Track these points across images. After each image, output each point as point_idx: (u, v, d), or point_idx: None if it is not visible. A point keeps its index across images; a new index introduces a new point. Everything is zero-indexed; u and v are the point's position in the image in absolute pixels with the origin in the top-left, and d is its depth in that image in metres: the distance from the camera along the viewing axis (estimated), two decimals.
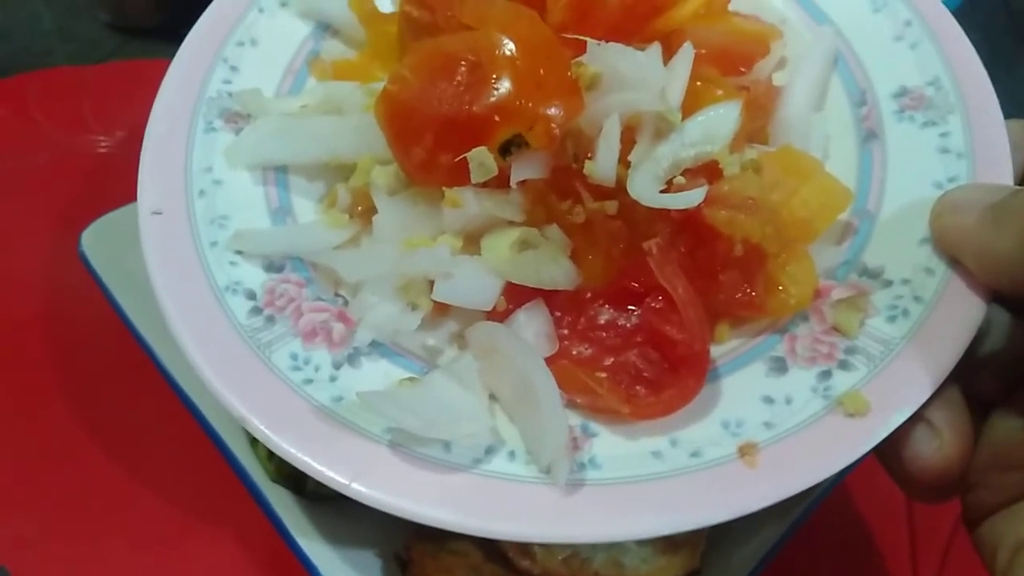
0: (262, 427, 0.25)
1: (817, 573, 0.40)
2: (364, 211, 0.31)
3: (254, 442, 0.37)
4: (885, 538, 0.42)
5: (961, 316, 0.26)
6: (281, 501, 0.35)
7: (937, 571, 0.41)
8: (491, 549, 0.32)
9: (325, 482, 0.25)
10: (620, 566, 0.32)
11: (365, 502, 0.24)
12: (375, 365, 0.28)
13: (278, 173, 0.32)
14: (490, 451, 0.25)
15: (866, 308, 0.27)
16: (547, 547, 0.32)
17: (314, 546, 0.34)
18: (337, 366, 0.27)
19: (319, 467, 0.25)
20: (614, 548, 0.32)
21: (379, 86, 0.31)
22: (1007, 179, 0.28)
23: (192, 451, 0.40)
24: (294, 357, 0.27)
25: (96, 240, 0.42)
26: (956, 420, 0.25)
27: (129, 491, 0.42)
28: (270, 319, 0.28)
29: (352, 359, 0.28)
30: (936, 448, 0.25)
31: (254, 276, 0.29)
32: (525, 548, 0.32)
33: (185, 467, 0.42)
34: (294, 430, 0.25)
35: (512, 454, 0.25)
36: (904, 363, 0.26)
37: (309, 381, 0.27)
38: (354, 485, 0.24)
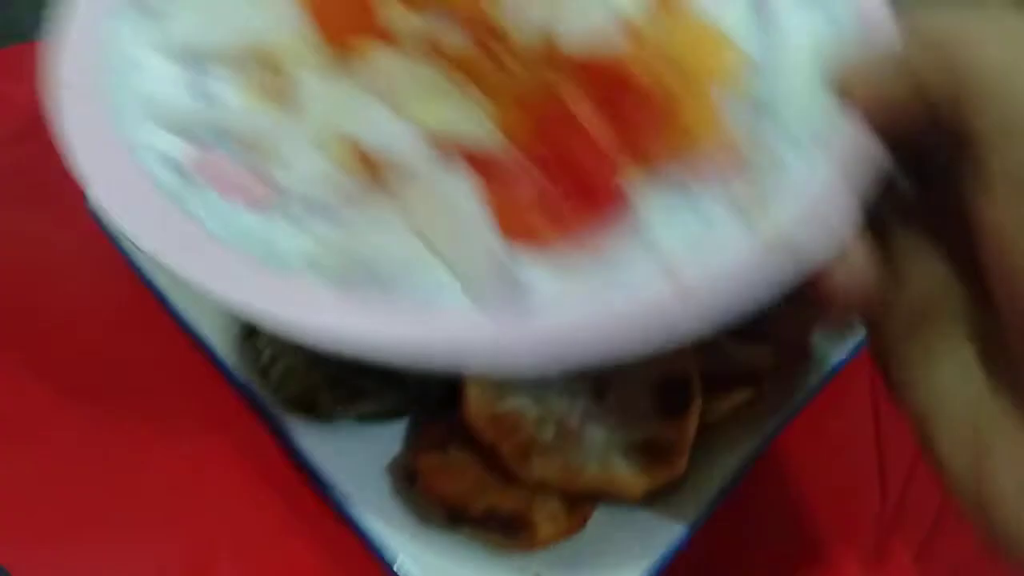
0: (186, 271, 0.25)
1: (788, 489, 0.42)
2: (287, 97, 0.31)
3: (264, 371, 0.38)
4: (854, 456, 0.44)
5: (859, 150, 0.27)
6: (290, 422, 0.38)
7: (903, 487, 0.43)
8: (492, 459, 0.35)
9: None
10: (610, 474, 0.35)
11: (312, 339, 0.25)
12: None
13: (198, 60, 0.32)
14: (419, 282, 0.26)
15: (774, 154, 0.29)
16: (545, 456, 0.34)
17: (327, 464, 0.37)
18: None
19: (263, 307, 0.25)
20: (604, 458, 0.35)
21: None
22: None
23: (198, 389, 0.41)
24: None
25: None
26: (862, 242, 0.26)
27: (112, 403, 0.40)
28: (190, 181, 0.28)
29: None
30: (847, 268, 0.26)
31: (174, 146, 0.29)
32: (524, 456, 0.34)
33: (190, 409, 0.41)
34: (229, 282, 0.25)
35: (442, 283, 0.26)
36: (814, 190, 0.27)
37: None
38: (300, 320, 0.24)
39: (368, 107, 0.29)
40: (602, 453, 0.35)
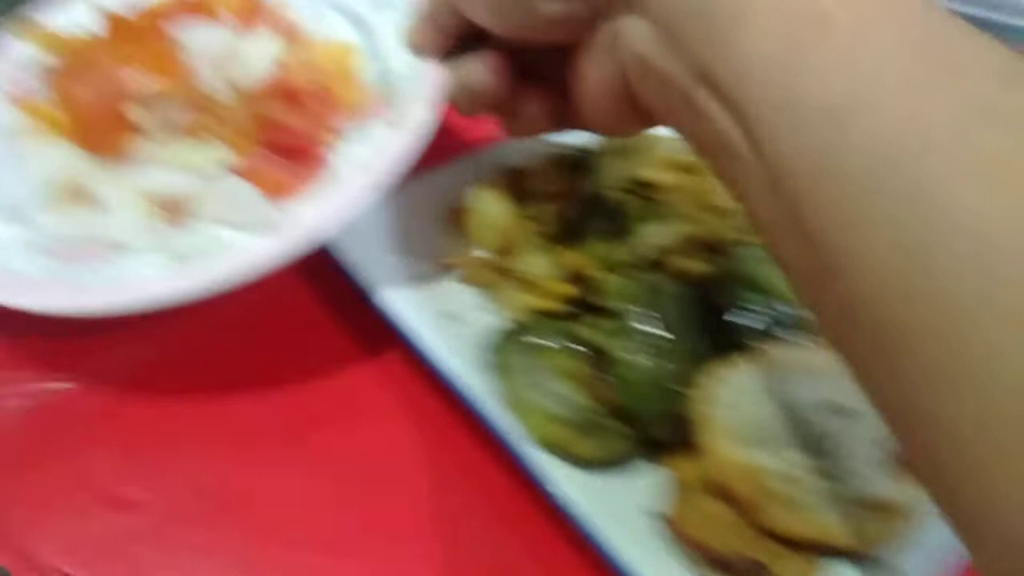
0: None
1: None
2: (87, 201, 0.46)
3: (521, 410, 0.40)
4: None
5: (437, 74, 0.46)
6: (548, 465, 0.38)
7: None
8: (738, 508, 0.36)
9: None
10: (845, 528, 0.35)
11: None
12: None
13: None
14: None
15: (395, 93, 0.47)
16: (785, 508, 0.35)
17: (584, 508, 0.37)
18: None
19: None
20: (841, 511, 0.35)
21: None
22: None
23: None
24: None
25: None
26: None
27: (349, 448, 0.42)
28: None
29: None
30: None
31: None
32: (764, 507, 0.35)
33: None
34: None
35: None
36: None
37: None
38: None
39: (151, 172, 0.44)
40: (838, 507, 0.35)
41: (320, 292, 0.49)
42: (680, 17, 0.29)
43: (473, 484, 0.41)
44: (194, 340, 0.46)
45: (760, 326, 0.41)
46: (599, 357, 0.41)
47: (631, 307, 0.41)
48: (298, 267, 0.46)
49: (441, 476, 0.41)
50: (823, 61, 0.24)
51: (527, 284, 0.45)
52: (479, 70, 0.41)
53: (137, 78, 0.45)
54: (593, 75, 0.36)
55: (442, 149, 0.49)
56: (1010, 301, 0.20)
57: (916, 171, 0.22)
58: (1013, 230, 0.20)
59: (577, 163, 0.50)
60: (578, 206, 0.48)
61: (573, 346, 0.42)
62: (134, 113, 0.44)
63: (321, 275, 0.48)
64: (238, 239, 0.42)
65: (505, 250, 0.47)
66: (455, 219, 0.50)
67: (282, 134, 0.44)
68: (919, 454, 0.23)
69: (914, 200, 0.21)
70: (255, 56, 0.47)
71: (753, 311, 0.41)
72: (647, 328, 0.40)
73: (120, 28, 0.49)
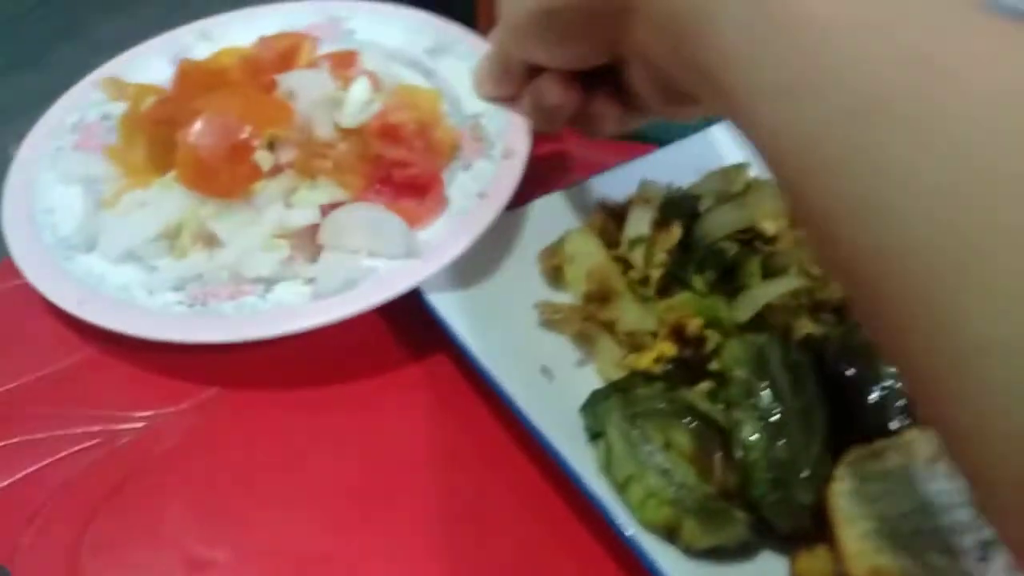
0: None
1: None
2: (206, 242, 0.48)
3: (623, 487, 0.37)
4: None
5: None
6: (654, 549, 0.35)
7: None
8: None
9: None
10: None
11: None
12: None
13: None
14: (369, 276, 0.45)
15: (483, 130, 0.52)
16: None
17: None
18: None
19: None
20: None
21: (160, 181, 0.49)
22: None
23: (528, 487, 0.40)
24: None
25: None
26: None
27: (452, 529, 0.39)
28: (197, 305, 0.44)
29: None
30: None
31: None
32: None
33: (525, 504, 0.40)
34: None
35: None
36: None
37: None
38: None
39: (275, 210, 0.46)
40: None
41: (407, 344, 0.47)
42: (661, 21, 0.32)
43: (567, 551, 0.39)
44: (275, 397, 0.45)
45: (897, 405, 0.37)
46: (709, 429, 0.38)
47: (747, 375, 0.38)
48: (384, 317, 0.47)
49: (534, 539, 0.39)
50: None
51: (627, 339, 0.43)
52: (552, 89, 0.43)
53: (256, 125, 0.47)
54: (636, 76, 0.40)
55: (532, 183, 0.52)
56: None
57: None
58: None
59: (682, 206, 0.47)
60: (682, 254, 0.45)
61: (680, 415, 0.38)
62: (260, 157, 0.47)
63: (407, 325, 0.47)
64: (379, 264, 0.45)
65: (601, 297, 0.44)
66: (548, 260, 0.48)
67: (397, 170, 0.48)
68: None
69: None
70: (355, 100, 0.50)
71: (888, 387, 0.37)
72: (769, 400, 0.37)
73: (213, 78, 0.52)
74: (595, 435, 0.39)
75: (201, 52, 0.58)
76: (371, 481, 0.41)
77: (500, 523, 0.40)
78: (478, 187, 0.48)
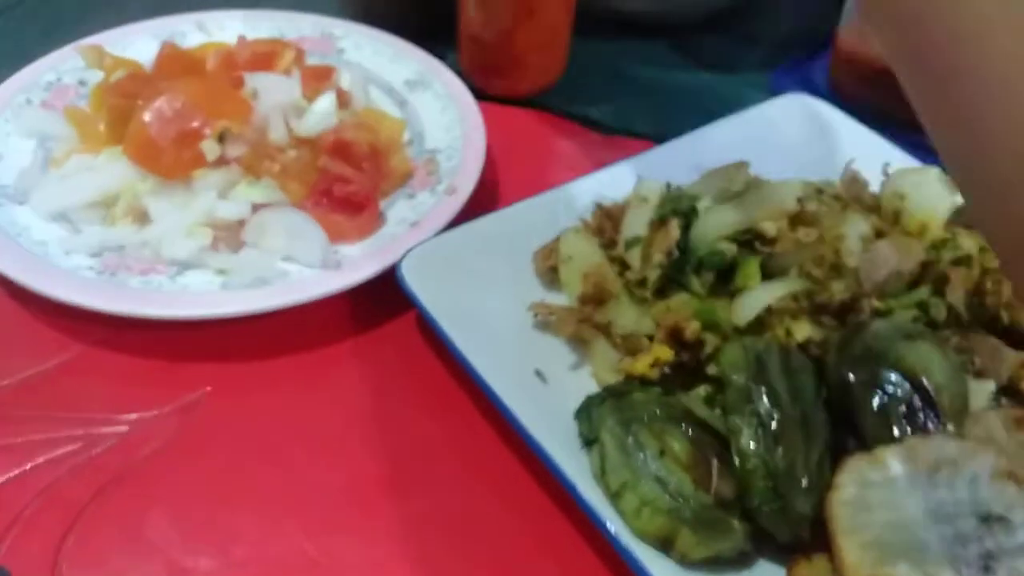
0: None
1: None
2: (136, 216, 0.48)
3: (617, 495, 0.36)
4: None
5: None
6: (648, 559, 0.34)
7: None
8: None
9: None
10: None
11: None
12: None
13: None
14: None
15: (437, 165, 0.52)
16: None
17: None
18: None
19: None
20: None
21: (109, 150, 0.50)
22: None
23: (524, 493, 0.39)
24: None
25: (413, 266, 0.44)
26: None
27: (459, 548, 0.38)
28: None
29: None
30: None
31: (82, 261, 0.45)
32: None
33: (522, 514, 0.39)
34: None
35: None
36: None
37: None
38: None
39: (208, 199, 0.47)
40: None
41: (398, 347, 0.46)
42: None
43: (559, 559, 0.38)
44: (260, 401, 0.44)
45: (901, 412, 0.37)
46: (706, 436, 0.37)
47: (745, 380, 0.37)
48: (374, 319, 0.47)
49: (524, 546, 0.38)
50: None
51: (623, 342, 0.42)
52: None
53: (212, 115, 0.48)
54: None
55: (528, 179, 0.52)
56: None
57: None
58: None
59: (679, 205, 0.45)
60: (680, 255, 0.43)
61: (676, 421, 0.37)
62: (206, 146, 0.47)
63: (397, 327, 0.47)
64: (293, 269, 0.45)
65: (597, 299, 0.43)
66: (543, 260, 0.47)
67: (339, 185, 0.48)
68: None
69: None
70: (318, 112, 0.51)
71: (890, 393, 0.37)
72: (767, 407, 0.36)
73: (187, 64, 0.53)
74: (589, 441, 0.38)
75: (192, 41, 0.60)
76: (358, 487, 0.40)
77: (490, 530, 0.39)
78: (414, 216, 0.49)
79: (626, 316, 0.43)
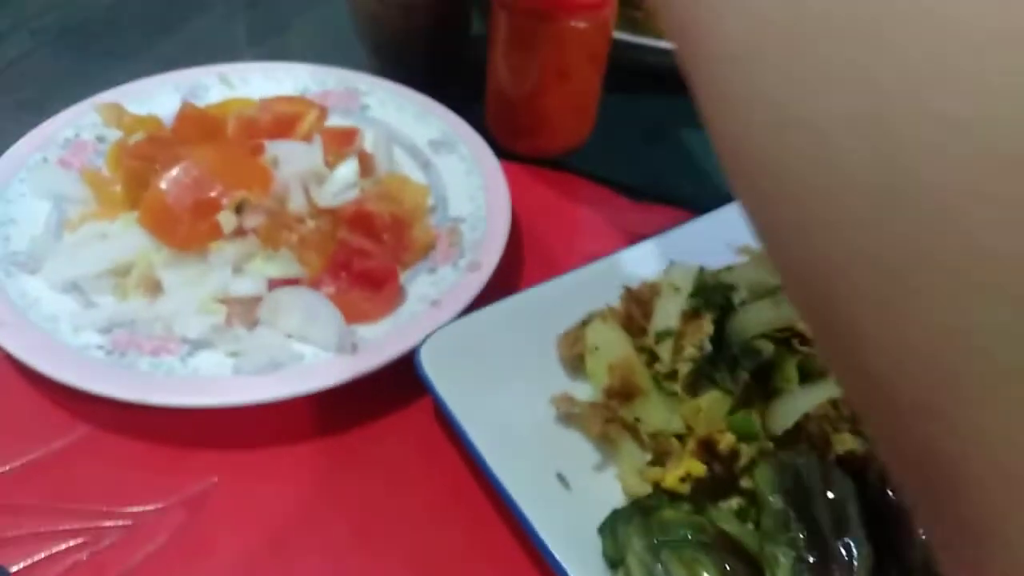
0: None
1: None
2: (149, 288, 0.46)
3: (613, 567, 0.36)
4: None
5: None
6: None
7: None
8: None
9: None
10: None
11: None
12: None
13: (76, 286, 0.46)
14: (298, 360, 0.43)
15: (460, 236, 0.50)
16: None
17: None
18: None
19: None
20: None
21: (125, 216, 0.48)
22: None
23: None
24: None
25: (432, 352, 0.43)
26: None
27: None
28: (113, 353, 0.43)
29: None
30: None
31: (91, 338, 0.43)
32: None
33: None
34: None
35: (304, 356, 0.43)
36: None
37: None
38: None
39: (224, 274, 0.45)
40: None
41: (411, 437, 0.44)
42: None
43: None
44: (269, 492, 0.42)
45: None
46: (739, 564, 0.35)
47: (783, 504, 0.35)
48: (387, 406, 0.45)
49: None
50: None
51: (651, 440, 0.41)
52: None
53: (230, 184, 0.47)
54: None
55: (554, 250, 0.49)
56: None
57: None
58: None
59: (714, 296, 0.43)
60: (713, 350, 0.42)
61: (707, 549, 0.35)
62: (223, 218, 0.46)
63: (411, 415, 0.45)
64: (308, 352, 0.44)
65: (625, 394, 0.42)
66: (569, 348, 0.45)
67: (359, 259, 0.47)
68: None
69: None
70: (338, 180, 0.50)
71: None
72: (805, 536, 0.34)
73: (208, 127, 0.52)
74: (614, 564, 0.36)
75: (214, 95, 0.59)
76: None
77: None
78: (435, 293, 0.47)
79: (656, 414, 0.41)
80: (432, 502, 0.41)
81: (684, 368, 0.42)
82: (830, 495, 0.35)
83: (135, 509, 0.40)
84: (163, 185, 0.46)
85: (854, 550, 0.34)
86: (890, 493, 0.36)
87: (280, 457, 0.43)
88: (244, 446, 0.43)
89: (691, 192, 0.59)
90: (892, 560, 0.35)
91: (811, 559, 0.33)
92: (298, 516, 0.41)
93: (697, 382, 0.42)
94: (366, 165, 0.53)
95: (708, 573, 0.34)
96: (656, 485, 0.39)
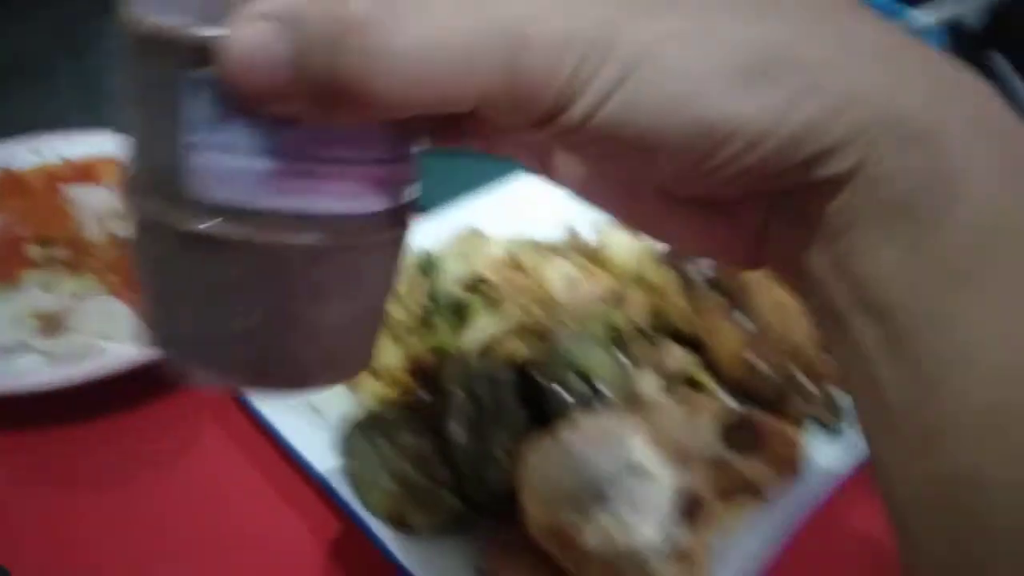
0: None
1: None
2: None
3: (363, 486, 0.46)
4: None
5: None
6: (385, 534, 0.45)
7: None
8: (554, 564, 0.41)
9: None
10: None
11: None
12: None
13: None
14: None
15: None
16: (594, 563, 0.39)
17: (419, 569, 0.44)
18: None
19: None
20: (645, 565, 0.39)
21: None
22: None
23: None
24: None
25: None
26: None
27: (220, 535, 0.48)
28: None
29: None
30: None
31: None
32: (578, 562, 0.40)
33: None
34: None
35: None
36: None
37: None
38: None
39: (35, 294, 0.56)
40: (643, 560, 0.39)
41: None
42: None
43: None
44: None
45: (576, 401, 0.47)
46: (435, 436, 0.46)
47: (456, 388, 0.47)
48: None
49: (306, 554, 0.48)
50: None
51: (384, 376, 0.52)
52: None
53: (36, 225, 0.58)
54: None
55: None
56: None
57: None
58: None
59: (424, 264, 0.57)
60: (428, 301, 0.55)
61: (416, 430, 0.47)
62: (32, 250, 0.57)
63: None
64: (110, 347, 0.54)
65: None
66: None
67: None
68: None
69: None
70: None
71: (571, 388, 0.47)
72: (472, 407, 0.46)
73: (17, 186, 0.62)
74: (347, 454, 0.47)
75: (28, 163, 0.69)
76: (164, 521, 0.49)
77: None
78: None
79: (387, 355, 0.53)
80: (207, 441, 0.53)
81: (410, 318, 0.55)
82: (494, 380, 0.47)
83: None
84: None
85: (508, 414, 0.47)
86: (542, 379, 0.48)
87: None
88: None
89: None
90: (544, 423, 0.45)
91: (474, 421, 0.46)
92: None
93: (421, 328, 0.55)
94: None
95: (408, 440, 0.47)
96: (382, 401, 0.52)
